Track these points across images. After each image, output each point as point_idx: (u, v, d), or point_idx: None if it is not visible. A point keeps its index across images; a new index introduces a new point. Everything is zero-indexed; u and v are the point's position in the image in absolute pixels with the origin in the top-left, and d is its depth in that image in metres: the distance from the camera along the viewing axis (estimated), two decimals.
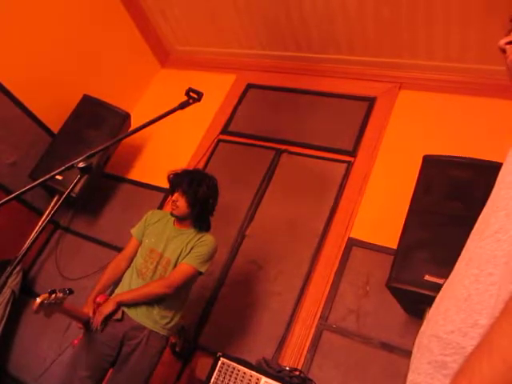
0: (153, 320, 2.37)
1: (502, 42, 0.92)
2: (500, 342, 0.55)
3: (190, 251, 2.42)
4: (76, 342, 2.40)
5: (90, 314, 2.32)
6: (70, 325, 3.35)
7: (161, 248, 2.47)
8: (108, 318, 2.30)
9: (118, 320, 2.32)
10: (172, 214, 2.53)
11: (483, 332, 0.60)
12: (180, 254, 2.43)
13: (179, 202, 2.45)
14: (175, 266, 2.42)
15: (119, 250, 2.69)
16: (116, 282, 2.61)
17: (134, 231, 2.64)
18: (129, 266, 2.55)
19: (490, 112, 3.14)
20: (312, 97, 3.84)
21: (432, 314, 0.80)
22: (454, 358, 0.67)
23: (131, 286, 2.42)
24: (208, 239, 2.48)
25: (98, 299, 2.36)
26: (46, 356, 3.38)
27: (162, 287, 2.33)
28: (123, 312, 2.35)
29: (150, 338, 2.36)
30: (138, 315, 2.35)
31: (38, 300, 1.89)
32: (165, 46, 4.59)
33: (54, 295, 1.94)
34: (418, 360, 0.76)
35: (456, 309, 0.71)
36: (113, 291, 2.61)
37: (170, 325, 2.43)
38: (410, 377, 0.76)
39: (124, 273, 2.55)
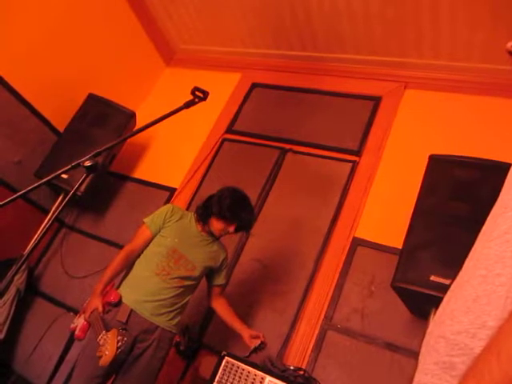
0: (164, 318, 2.38)
1: (510, 44, 0.92)
2: (509, 344, 0.54)
3: (219, 268, 2.64)
4: (82, 335, 2.35)
5: (99, 309, 2.29)
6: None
7: (184, 250, 2.47)
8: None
9: (123, 326, 2.29)
10: (215, 236, 2.58)
11: (491, 333, 0.60)
12: (210, 269, 2.60)
13: (231, 232, 2.55)
14: (200, 272, 2.51)
15: None
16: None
17: (150, 224, 2.52)
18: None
19: (497, 111, 3.12)
20: (317, 96, 3.84)
21: (439, 314, 0.79)
22: (462, 359, 0.67)
23: (148, 286, 2.37)
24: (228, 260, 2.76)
25: (112, 299, 2.33)
26: (51, 354, 3.40)
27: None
28: (132, 314, 2.32)
29: (160, 341, 2.36)
30: (149, 315, 2.34)
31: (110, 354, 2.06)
32: (170, 44, 4.59)
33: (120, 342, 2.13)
34: (425, 360, 0.76)
35: (464, 310, 0.70)
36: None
37: (178, 322, 2.47)
38: (417, 377, 0.76)
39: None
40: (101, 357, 2.09)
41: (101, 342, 2.12)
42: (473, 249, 0.81)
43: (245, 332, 2.55)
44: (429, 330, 0.81)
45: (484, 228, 0.81)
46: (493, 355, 0.55)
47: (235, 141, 3.88)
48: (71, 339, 3.28)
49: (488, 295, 0.68)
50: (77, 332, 2.33)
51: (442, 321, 0.76)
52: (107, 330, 2.16)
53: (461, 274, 0.80)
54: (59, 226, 4.03)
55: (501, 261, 0.69)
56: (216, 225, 2.49)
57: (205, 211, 2.53)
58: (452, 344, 0.69)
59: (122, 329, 2.22)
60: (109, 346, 2.08)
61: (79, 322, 2.38)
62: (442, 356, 0.70)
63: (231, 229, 2.50)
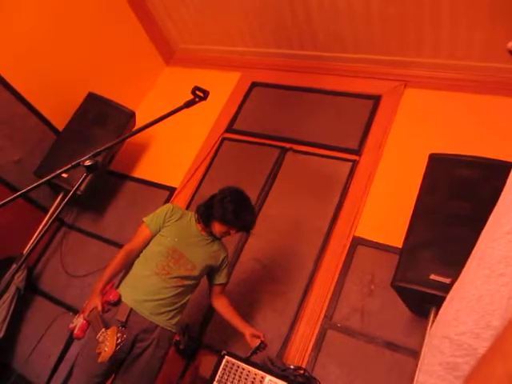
0: (163, 317, 2.38)
1: (511, 44, 0.92)
2: None
3: (219, 267, 2.63)
4: (81, 334, 2.35)
5: (99, 308, 2.28)
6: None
7: (184, 249, 2.47)
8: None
9: (123, 323, 2.29)
10: (216, 236, 2.57)
11: (496, 333, 0.59)
12: (211, 268, 2.59)
13: (233, 233, 2.56)
14: (200, 272, 2.50)
15: None
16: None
17: (150, 223, 2.50)
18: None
19: (497, 110, 3.12)
20: (317, 95, 3.83)
21: (442, 314, 0.79)
22: (466, 360, 0.67)
23: (147, 286, 2.37)
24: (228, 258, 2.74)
25: (111, 298, 2.34)
26: (50, 353, 3.40)
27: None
28: (132, 314, 2.32)
29: (159, 340, 2.36)
30: (149, 314, 2.34)
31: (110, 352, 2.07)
32: (170, 44, 4.59)
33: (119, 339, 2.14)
34: (428, 361, 0.75)
35: (467, 310, 0.70)
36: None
37: (178, 322, 2.47)
38: (420, 378, 0.76)
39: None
40: (100, 353, 2.09)
41: (100, 339, 2.12)
42: (475, 248, 0.80)
43: (246, 330, 2.54)
44: (431, 331, 0.81)
45: (486, 227, 0.81)
46: (497, 356, 0.55)
47: (235, 140, 3.88)
48: (71, 338, 3.28)
49: (491, 295, 0.68)
50: (76, 331, 2.33)
51: (445, 321, 0.76)
52: (106, 328, 2.16)
53: (463, 273, 0.80)
54: (59, 225, 4.03)
55: (504, 260, 0.69)
56: (218, 228, 2.49)
57: (206, 212, 2.51)
58: (456, 345, 0.69)
59: (122, 326, 2.23)
60: (108, 342, 2.08)
61: (78, 321, 2.37)
62: (447, 356, 0.70)
63: (233, 231, 2.52)
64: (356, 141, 3.45)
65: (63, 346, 3.34)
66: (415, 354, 2.42)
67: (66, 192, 3.41)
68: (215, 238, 2.59)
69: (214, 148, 3.87)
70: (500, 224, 0.73)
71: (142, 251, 2.50)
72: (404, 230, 2.48)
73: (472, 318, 0.69)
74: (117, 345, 2.09)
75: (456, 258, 2.02)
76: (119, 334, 2.13)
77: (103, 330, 2.16)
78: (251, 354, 2.42)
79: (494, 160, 2.41)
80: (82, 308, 2.44)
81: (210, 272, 2.62)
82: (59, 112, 3.72)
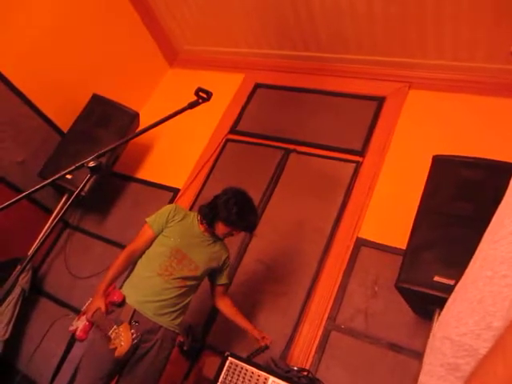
0: (167, 318, 2.38)
1: None
2: None
3: (221, 267, 2.63)
4: (84, 335, 2.35)
5: (103, 309, 2.29)
6: None
7: (187, 250, 2.47)
8: None
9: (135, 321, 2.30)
10: (218, 237, 2.57)
11: (497, 334, 0.59)
12: (213, 269, 2.59)
13: (236, 234, 2.58)
14: (203, 272, 2.50)
15: None
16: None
17: (152, 223, 2.50)
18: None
19: (500, 111, 3.11)
20: (320, 96, 3.83)
21: (444, 315, 0.79)
22: (466, 361, 0.67)
23: (150, 287, 2.37)
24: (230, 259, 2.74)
25: (115, 299, 2.34)
26: (54, 353, 3.40)
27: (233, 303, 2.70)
28: (135, 314, 2.32)
29: (163, 341, 2.36)
30: (152, 315, 2.34)
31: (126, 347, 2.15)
32: (173, 45, 4.60)
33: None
34: (430, 362, 0.75)
35: (469, 311, 0.70)
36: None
37: (181, 322, 2.47)
38: (422, 379, 0.76)
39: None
40: (115, 349, 2.11)
41: (112, 336, 2.14)
42: (478, 249, 0.80)
43: (250, 332, 2.56)
44: (433, 332, 0.81)
45: (489, 228, 0.80)
46: (498, 356, 0.55)
47: (238, 141, 3.88)
48: (73, 339, 3.28)
49: (493, 296, 0.68)
50: (78, 333, 2.33)
51: (447, 322, 0.76)
52: (118, 325, 2.18)
53: (466, 274, 0.80)
54: (63, 227, 4.04)
55: (507, 262, 0.69)
56: (222, 229, 2.50)
57: (210, 213, 2.51)
58: (457, 345, 0.69)
59: (135, 322, 2.26)
60: (123, 337, 2.12)
61: (79, 323, 2.38)
62: (448, 358, 0.70)
63: (237, 232, 2.54)
64: (360, 142, 3.44)
65: (65, 347, 3.35)
66: (419, 356, 2.41)
67: (70, 193, 3.43)
68: (217, 239, 2.59)
69: (218, 149, 3.88)
70: (503, 225, 0.73)
71: (144, 252, 2.50)
72: (408, 231, 2.48)
73: (473, 318, 0.69)
74: (133, 339, 2.12)
75: (460, 259, 2.01)
76: (133, 330, 2.17)
77: (115, 326, 2.18)
78: (252, 354, 2.43)
79: (497, 161, 2.40)
80: (82, 310, 2.44)
81: (212, 273, 2.62)
82: (63, 113, 3.74)
